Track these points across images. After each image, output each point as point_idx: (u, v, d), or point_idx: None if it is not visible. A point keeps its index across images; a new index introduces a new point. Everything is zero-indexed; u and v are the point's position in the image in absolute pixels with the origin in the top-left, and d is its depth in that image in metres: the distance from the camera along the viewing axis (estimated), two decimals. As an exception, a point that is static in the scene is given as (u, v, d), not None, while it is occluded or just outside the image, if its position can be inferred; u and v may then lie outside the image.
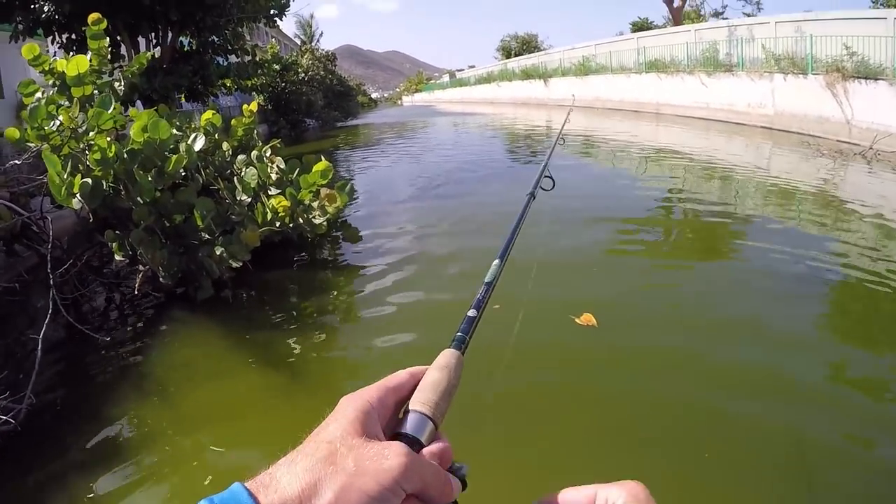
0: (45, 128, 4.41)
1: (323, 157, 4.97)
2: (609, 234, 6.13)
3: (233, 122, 6.28)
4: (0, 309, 4.41)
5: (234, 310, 4.61)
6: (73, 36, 10.78)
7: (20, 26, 10.34)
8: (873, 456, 2.51)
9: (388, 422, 0.48)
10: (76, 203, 4.29)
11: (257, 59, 14.02)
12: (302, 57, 28.89)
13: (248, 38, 13.66)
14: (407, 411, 0.48)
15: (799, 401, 2.91)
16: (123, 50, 11.49)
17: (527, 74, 36.06)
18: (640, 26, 38.63)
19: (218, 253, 4.45)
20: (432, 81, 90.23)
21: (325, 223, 4.92)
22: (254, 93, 15.07)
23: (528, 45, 55.40)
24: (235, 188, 5.01)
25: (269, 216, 4.73)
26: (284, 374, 3.49)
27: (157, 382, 3.50)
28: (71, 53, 8.81)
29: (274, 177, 5.16)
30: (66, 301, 4.28)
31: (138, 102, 11.06)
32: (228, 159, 5.60)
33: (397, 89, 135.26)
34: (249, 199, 4.96)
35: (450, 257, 5.43)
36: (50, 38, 10.86)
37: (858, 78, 13.05)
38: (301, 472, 0.40)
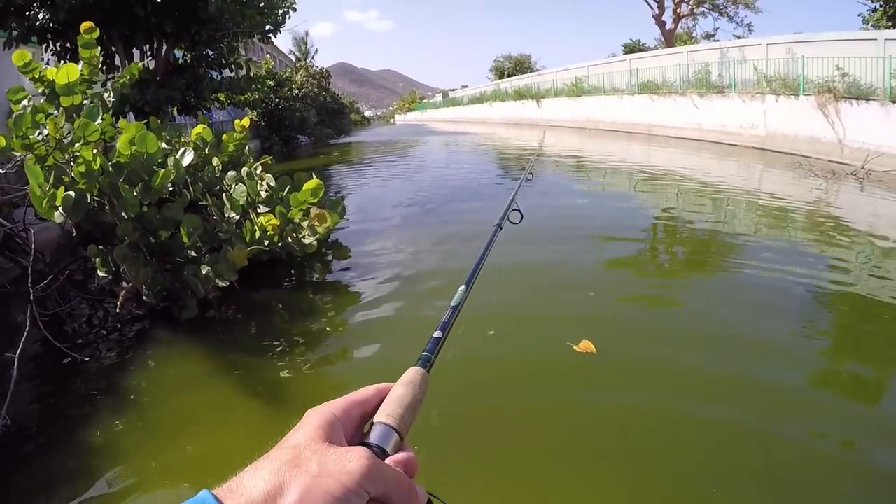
0: (31, 137, 4.28)
1: (314, 175, 4.87)
2: (599, 252, 6.15)
3: (224, 137, 6.16)
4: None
5: (219, 331, 4.46)
6: (68, 44, 10.70)
7: (14, 33, 10.25)
8: (871, 462, 2.56)
9: (353, 434, 0.49)
10: (58, 217, 4.16)
11: (251, 74, 13.97)
12: (296, 73, 28.94)
13: (243, 52, 13.60)
14: (373, 424, 0.50)
15: (793, 412, 2.96)
16: (118, 61, 11.41)
17: (520, 95, 36.29)
18: (632, 48, 39.05)
19: (204, 272, 4.31)
20: (425, 100, 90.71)
21: (315, 242, 4.80)
22: (247, 108, 14.97)
23: (521, 66, 55.84)
24: (224, 205, 4.89)
25: (257, 235, 4.60)
26: (268, 398, 3.35)
27: (136, 405, 3.37)
28: (62, 62, 8.69)
29: (263, 194, 5.04)
30: (47, 317, 4.14)
31: (130, 114, 10.97)
32: (218, 175, 5.48)
33: (390, 108, 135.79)
34: (238, 217, 4.84)
35: (442, 279, 5.30)
36: (44, 46, 10.77)
37: (850, 98, 13.17)
38: (266, 476, 0.41)
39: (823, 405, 3.07)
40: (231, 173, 5.37)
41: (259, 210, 4.92)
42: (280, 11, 12.72)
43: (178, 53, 12.64)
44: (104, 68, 11.22)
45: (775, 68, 16.73)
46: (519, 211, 1.32)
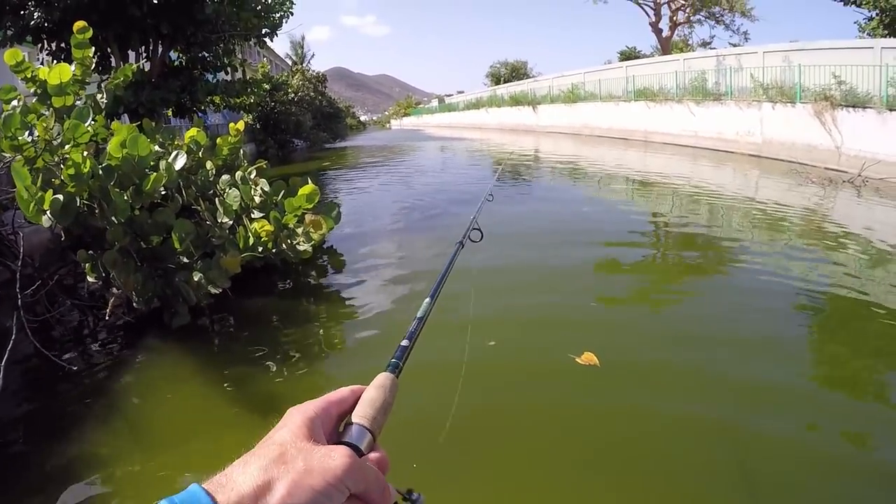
0: (20, 138, 4.18)
1: (309, 180, 4.78)
2: (591, 256, 6.14)
3: (218, 140, 6.07)
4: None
5: (211, 339, 4.37)
6: (63, 44, 10.61)
7: (10, 32, 10.16)
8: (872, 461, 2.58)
9: (331, 432, 0.51)
10: (46, 220, 4.05)
11: (248, 77, 13.89)
12: (292, 77, 28.88)
13: (239, 55, 13.52)
14: (348, 424, 0.52)
15: (794, 413, 2.98)
16: (113, 62, 11.32)
17: (516, 101, 36.29)
18: (628, 55, 39.15)
19: (196, 279, 4.21)
20: (421, 106, 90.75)
21: (309, 249, 4.71)
22: (242, 111, 14.84)
23: (517, 72, 55.96)
24: (217, 210, 4.79)
25: (251, 241, 4.50)
26: (258, 405, 3.28)
27: (124, 411, 3.32)
28: (55, 62, 8.60)
29: (257, 199, 4.94)
30: (35, 323, 4.04)
31: (125, 116, 10.86)
32: (212, 179, 5.37)
33: (386, 113, 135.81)
34: (231, 222, 4.74)
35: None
36: (39, 46, 10.68)
37: (847, 106, 13.18)
38: (255, 472, 0.43)
39: (824, 405, 3.11)
40: (225, 177, 5.27)
41: (253, 215, 4.82)
42: (277, 15, 12.66)
43: (174, 55, 12.54)
44: (99, 69, 11.14)
45: (772, 76, 16.74)
46: (479, 230, 1.42)
